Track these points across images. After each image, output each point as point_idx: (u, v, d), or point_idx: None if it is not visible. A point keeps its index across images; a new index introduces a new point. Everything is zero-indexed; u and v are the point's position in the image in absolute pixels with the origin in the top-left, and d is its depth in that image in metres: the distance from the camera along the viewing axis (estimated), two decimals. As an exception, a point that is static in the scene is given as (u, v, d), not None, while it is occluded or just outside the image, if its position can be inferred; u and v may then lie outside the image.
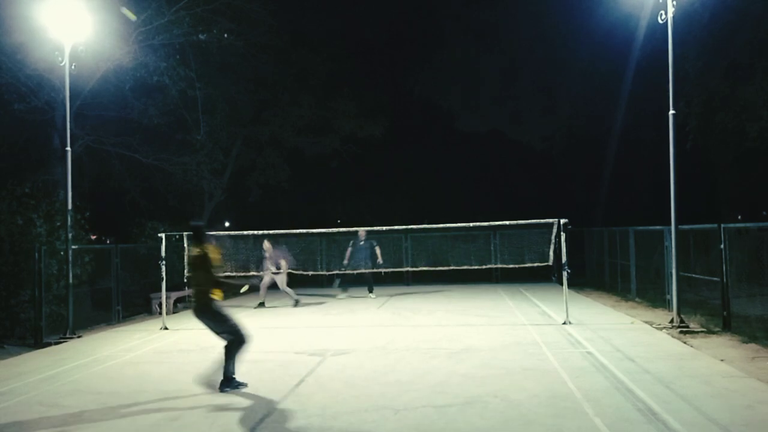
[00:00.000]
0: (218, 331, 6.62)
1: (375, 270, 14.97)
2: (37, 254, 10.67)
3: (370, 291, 15.43)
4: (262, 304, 13.97)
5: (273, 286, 14.22)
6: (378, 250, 14.95)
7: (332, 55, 21.69)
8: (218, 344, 9.35)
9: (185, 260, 6.60)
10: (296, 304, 14.16)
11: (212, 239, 6.93)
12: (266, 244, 13.85)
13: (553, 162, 33.43)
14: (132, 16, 13.48)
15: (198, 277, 6.53)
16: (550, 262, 11.78)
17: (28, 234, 11.29)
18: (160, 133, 17.66)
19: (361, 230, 14.84)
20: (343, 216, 30.20)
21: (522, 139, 38.87)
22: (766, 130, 14.74)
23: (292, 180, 23.70)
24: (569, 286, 11.36)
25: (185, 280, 12.71)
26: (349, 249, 15.07)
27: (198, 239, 6.62)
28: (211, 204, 20.95)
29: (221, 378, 6.55)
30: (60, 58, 10.92)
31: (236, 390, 6.48)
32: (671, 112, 9.86)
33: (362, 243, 14.87)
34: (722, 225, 9.42)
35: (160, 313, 12.30)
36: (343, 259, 15.37)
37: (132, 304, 13.89)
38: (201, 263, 6.47)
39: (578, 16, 24.46)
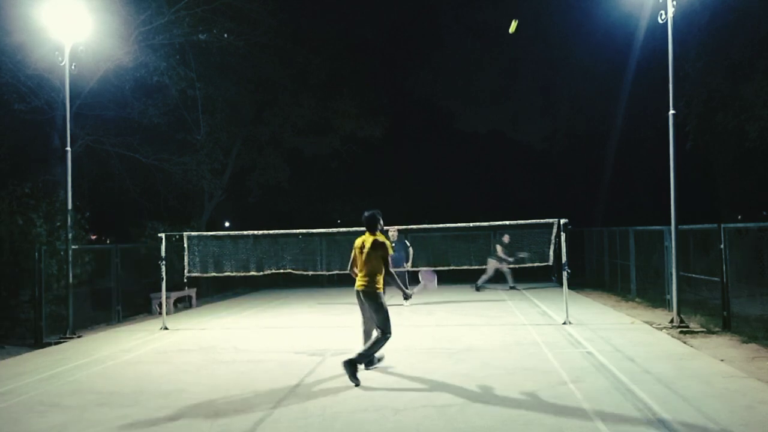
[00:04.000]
0: None
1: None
2: (37, 254, 10.67)
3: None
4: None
5: None
6: (410, 251, 14.15)
7: (332, 55, 21.69)
8: (219, 344, 9.41)
9: None
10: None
11: None
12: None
13: (553, 162, 33.43)
14: None
15: None
16: (550, 262, 11.78)
17: (28, 234, 11.28)
18: (160, 133, 17.66)
19: (392, 229, 13.76)
20: (343, 216, 30.18)
21: (522, 139, 38.90)
22: (766, 130, 14.74)
23: (292, 180, 23.70)
24: (569, 286, 11.36)
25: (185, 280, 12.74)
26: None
27: None
28: (211, 204, 20.95)
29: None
30: (60, 58, 10.92)
31: None
32: (671, 112, 9.86)
33: (394, 243, 13.90)
34: (722, 225, 9.41)
35: (160, 313, 12.30)
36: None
37: (132, 304, 13.89)
38: None
39: (578, 16, 24.45)
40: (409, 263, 14.05)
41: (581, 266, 18.69)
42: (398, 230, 13.93)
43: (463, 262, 16.32)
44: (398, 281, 6.91)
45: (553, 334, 9.35)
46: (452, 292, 16.28)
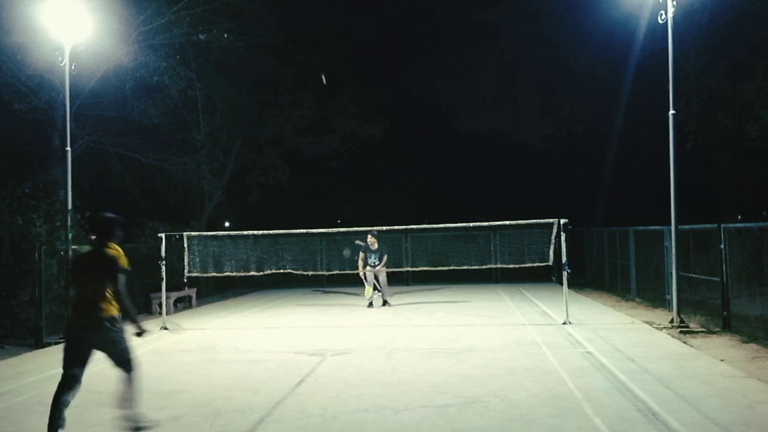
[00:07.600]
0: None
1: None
2: (37, 254, 10.67)
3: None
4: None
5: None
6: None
7: (332, 55, 21.70)
8: (219, 344, 9.42)
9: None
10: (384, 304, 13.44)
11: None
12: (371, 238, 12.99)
13: (553, 162, 33.46)
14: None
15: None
16: (550, 262, 11.78)
17: (28, 234, 11.28)
18: (160, 133, 17.66)
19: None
20: (343, 216, 30.22)
21: (522, 139, 38.96)
22: (766, 130, 14.73)
23: (292, 180, 23.72)
24: (569, 286, 11.37)
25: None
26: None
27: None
28: (211, 204, 20.95)
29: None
30: (60, 58, 10.91)
31: None
32: (671, 112, 9.86)
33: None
34: (722, 225, 9.42)
35: (160, 313, 12.30)
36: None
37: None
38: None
39: (578, 16, 24.52)
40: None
41: (581, 266, 18.69)
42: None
43: (463, 262, 16.34)
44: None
45: (553, 334, 9.35)
46: (452, 292, 16.29)
